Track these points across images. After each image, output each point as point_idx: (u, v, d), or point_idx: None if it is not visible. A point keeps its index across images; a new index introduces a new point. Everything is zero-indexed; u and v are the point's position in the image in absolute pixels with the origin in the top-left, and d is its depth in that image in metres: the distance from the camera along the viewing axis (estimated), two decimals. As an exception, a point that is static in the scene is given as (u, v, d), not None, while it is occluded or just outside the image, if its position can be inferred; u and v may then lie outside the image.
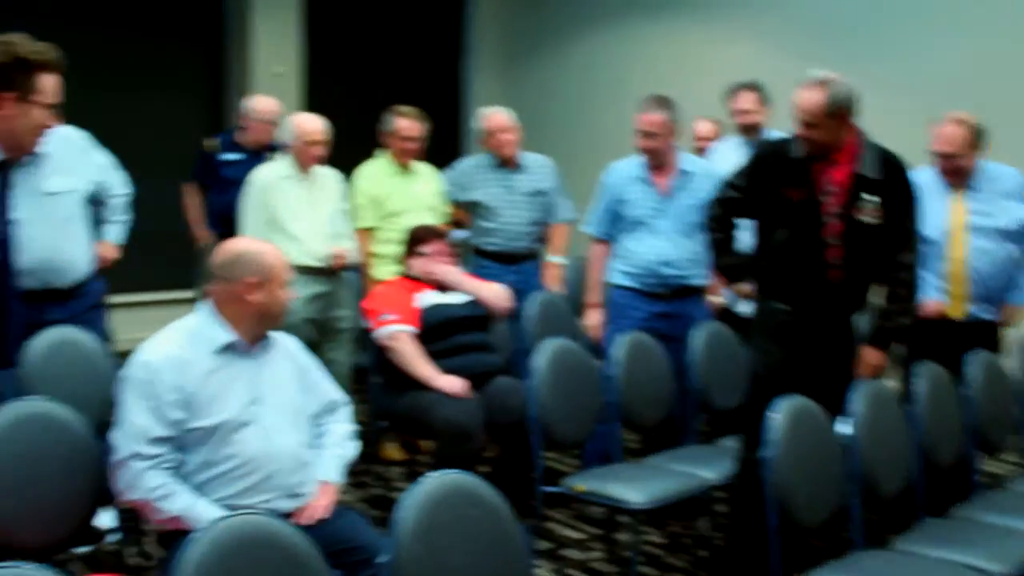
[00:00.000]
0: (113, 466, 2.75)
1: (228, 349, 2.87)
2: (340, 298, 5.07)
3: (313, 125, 4.92)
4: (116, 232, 4.29)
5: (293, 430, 2.91)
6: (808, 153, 3.60)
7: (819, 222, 3.60)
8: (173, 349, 2.81)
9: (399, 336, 4.36)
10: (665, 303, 4.71)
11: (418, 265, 4.63)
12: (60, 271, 3.94)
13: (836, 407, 3.46)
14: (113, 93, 7.04)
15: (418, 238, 4.68)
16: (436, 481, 2.48)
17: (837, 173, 3.60)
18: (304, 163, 4.92)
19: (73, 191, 3.94)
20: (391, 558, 2.31)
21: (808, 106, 3.51)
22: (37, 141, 2.98)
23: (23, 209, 3.81)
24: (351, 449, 3.12)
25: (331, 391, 3.14)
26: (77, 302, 4.02)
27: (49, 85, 2.91)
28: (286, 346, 3.05)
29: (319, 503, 2.89)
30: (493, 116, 5.49)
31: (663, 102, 4.63)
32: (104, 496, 2.91)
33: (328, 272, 4.95)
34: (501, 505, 2.57)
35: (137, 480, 2.70)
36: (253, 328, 2.90)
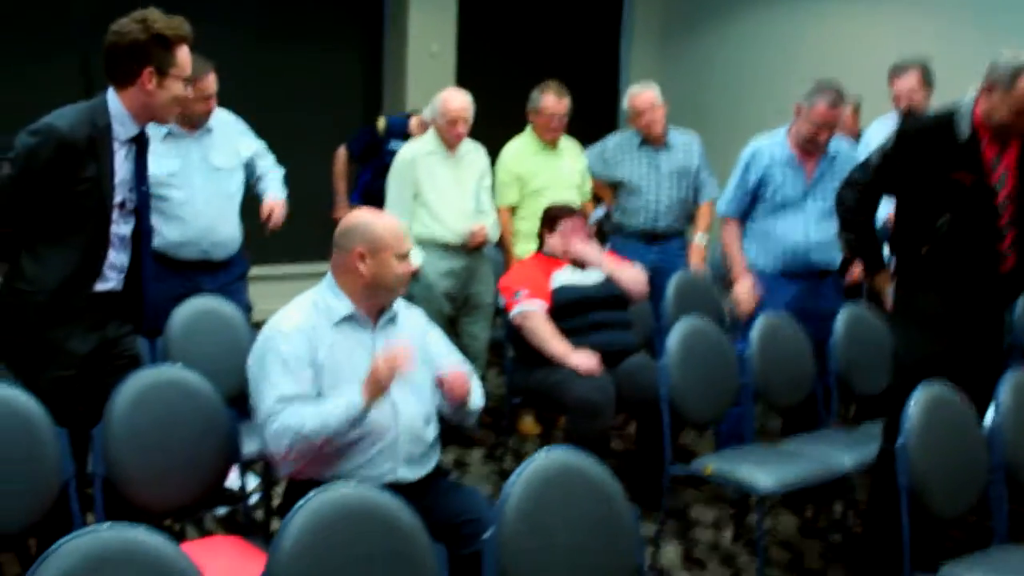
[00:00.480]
0: (259, 430, 2.80)
1: (347, 320, 2.91)
2: (480, 274, 5.09)
3: (457, 103, 4.91)
4: (278, 189, 4.42)
5: (416, 402, 2.93)
6: (994, 137, 3.39)
7: (993, 209, 3.40)
8: (300, 318, 2.86)
9: (531, 314, 4.36)
10: (808, 281, 4.56)
11: (554, 243, 4.61)
12: (222, 244, 4.20)
13: (988, 397, 3.29)
14: (273, 71, 7.22)
15: (554, 216, 4.65)
16: (545, 459, 2.47)
17: (1007, 156, 3.41)
18: (448, 140, 4.93)
19: (236, 168, 4.19)
20: (494, 534, 2.31)
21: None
22: (173, 114, 3.06)
23: (195, 181, 4.05)
24: (479, 399, 3.12)
25: (456, 364, 3.13)
26: (226, 273, 4.24)
27: (184, 59, 2.99)
28: (412, 320, 3.07)
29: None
30: (642, 94, 5.40)
31: (843, 93, 4.46)
32: (234, 459, 2.99)
33: (468, 248, 4.96)
34: (612, 485, 2.54)
35: (281, 431, 2.73)
36: (369, 298, 2.92)
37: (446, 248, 4.94)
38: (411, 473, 2.88)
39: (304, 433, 2.71)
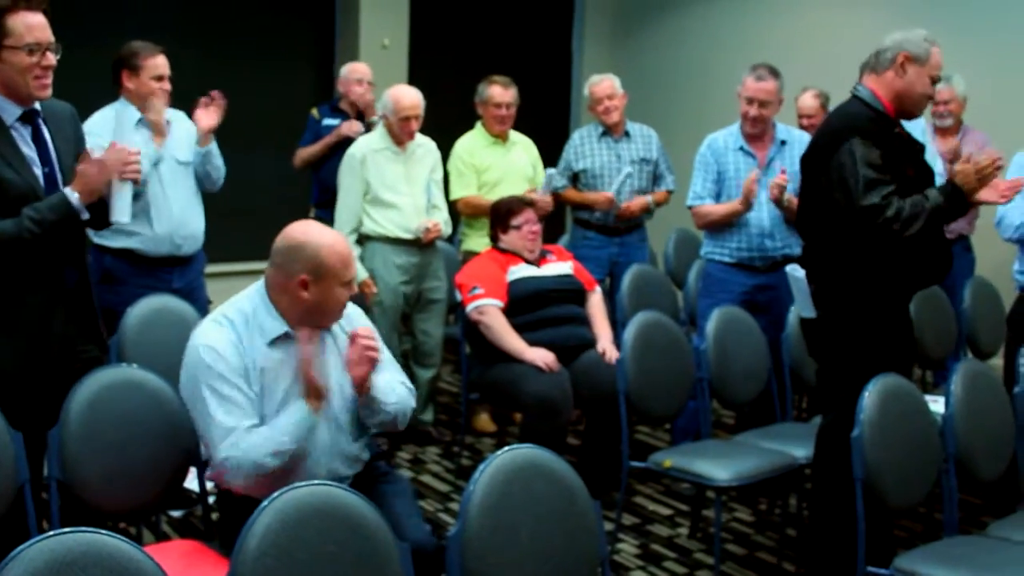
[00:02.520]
0: (216, 470, 2.74)
1: (282, 340, 2.79)
2: (433, 270, 5.09)
3: (409, 100, 4.89)
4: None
5: (337, 423, 2.85)
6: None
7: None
8: (231, 334, 2.75)
9: (487, 310, 4.38)
10: (765, 275, 4.63)
11: (509, 240, 4.62)
12: (192, 237, 4.24)
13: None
14: (224, 66, 7.16)
15: (505, 211, 4.67)
16: (508, 456, 2.49)
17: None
18: (400, 137, 4.92)
19: (190, 162, 4.19)
20: (459, 531, 2.33)
21: None
22: (38, 85, 2.96)
23: (164, 174, 4.05)
24: (400, 396, 2.96)
25: (394, 389, 2.96)
26: (192, 268, 4.25)
27: (17, 26, 2.89)
28: (349, 324, 2.96)
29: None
30: (601, 82, 5.47)
31: (774, 71, 4.59)
32: (192, 461, 2.98)
33: (421, 244, 4.97)
34: (575, 482, 2.55)
35: (238, 466, 2.66)
36: (306, 321, 2.79)
37: (398, 244, 4.94)
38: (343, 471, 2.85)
39: (261, 463, 2.65)
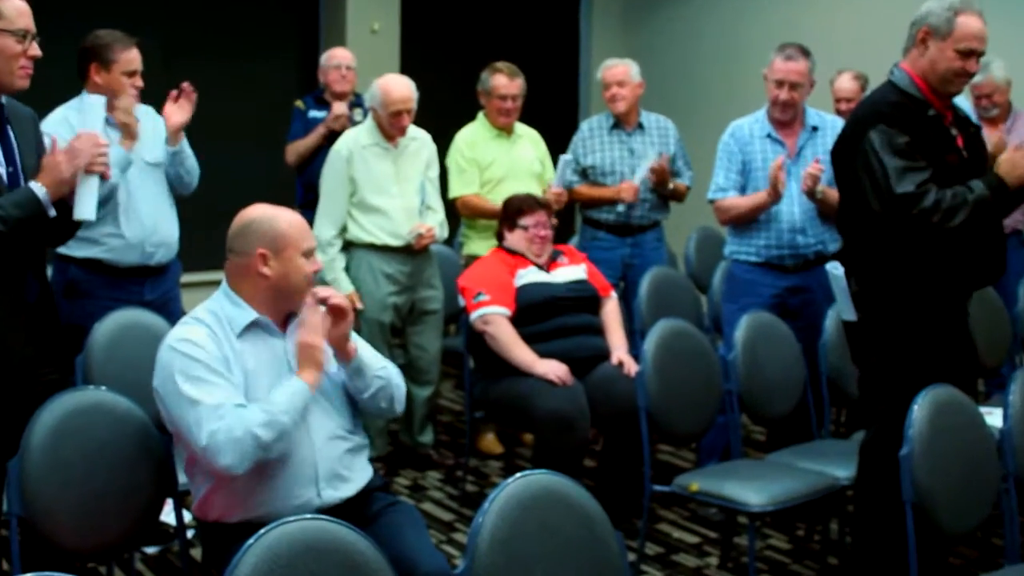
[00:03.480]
0: (203, 459, 2.69)
1: (252, 328, 2.82)
2: (426, 278, 5.03)
3: (400, 92, 4.80)
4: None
5: (330, 412, 2.87)
6: (941, 101, 3.42)
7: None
8: (205, 329, 2.78)
9: (493, 319, 4.34)
10: (797, 275, 4.60)
11: (515, 240, 4.58)
12: (165, 244, 4.21)
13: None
14: (196, 56, 7.14)
15: (515, 210, 4.63)
16: (521, 483, 2.45)
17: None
18: (390, 132, 4.86)
19: (160, 163, 4.16)
20: (467, 567, 2.29)
21: None
22: (23, 75, 2.97)
23: (132, 176, 4.02)
24: (396, 375, 3.01)
25: (379, 359, 3.00)
26: (166, 278, 4.25)
27: (13, 10, 2.91)
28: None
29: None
30: (614, 67, 5.46)
31: (804, 50, 4.58)
32: (169, 491, 2.94)
33: (413, 250, 4.90)
34: (595, 510, 2.52)
35: (233, 440, 2.62)
36: (274, 303, 2.84)
37: (386, 252, 4.87)
38: (337, 492, 2.82)
39: (255, 433, 2.63)
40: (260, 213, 2.87)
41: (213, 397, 2.67)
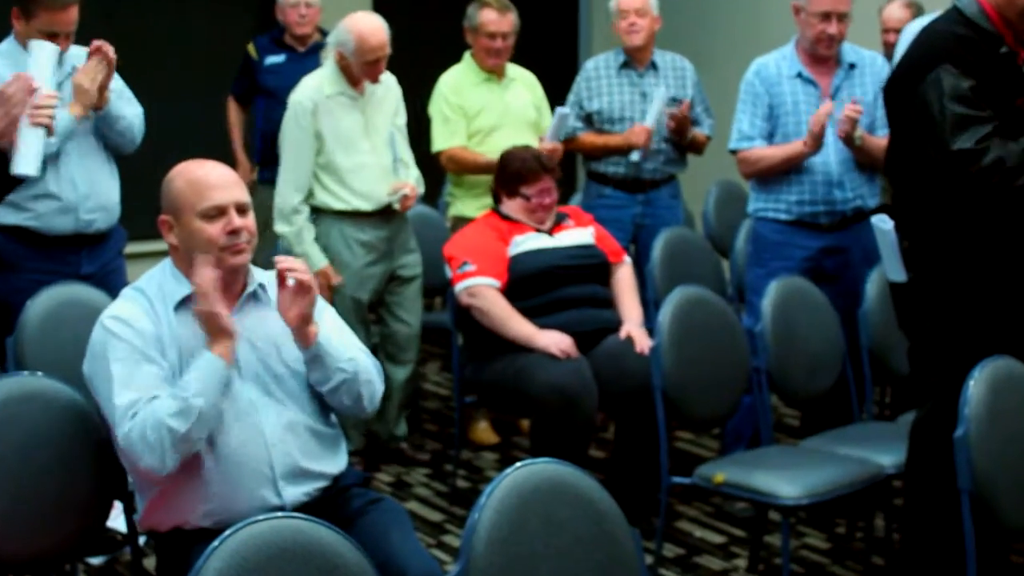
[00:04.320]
0: (121, 451, 2.74)
1: (188, 304, 2.83)
2: (403, 243, 5.01)
3: (378, 38, 4.72)
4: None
5: (285, 401, 2.87)
6: (1017, 38, 3.40)
7: None
8: (142, 303, 2.82)
9: (480, 291, 4.35)
10: (832, 235, 4.61)
11: (511, 205, 4.58)
12: (104, 208, 4.21)
13: None
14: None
15: (514, 174, 4.57)
16: (522, 474, 2.45)
17: None
18: (358, 79, 4.80)
19: (88, 117, 4.14)
20: (460, 572, 2.30)
21: None
22: None
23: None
24: (369, 368, 3.00)
25: (349, 348, 2.99)
26: (107, 248, 4.25)
27: None
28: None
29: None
30: None
31: None
32: (117, 493, 2.95)
33: (388, 213, 4.89)
34: (607, 504, 2.53)
35: (142, 432, 2.65)
36: None
37: (359, 217, 4.84)
38: (301, 488, 2.84)
39: (168, 425, 2.64)
40: (173, 173, 2.90)
41: (133, 391, 2.70)
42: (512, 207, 4.58)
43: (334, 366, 2.88)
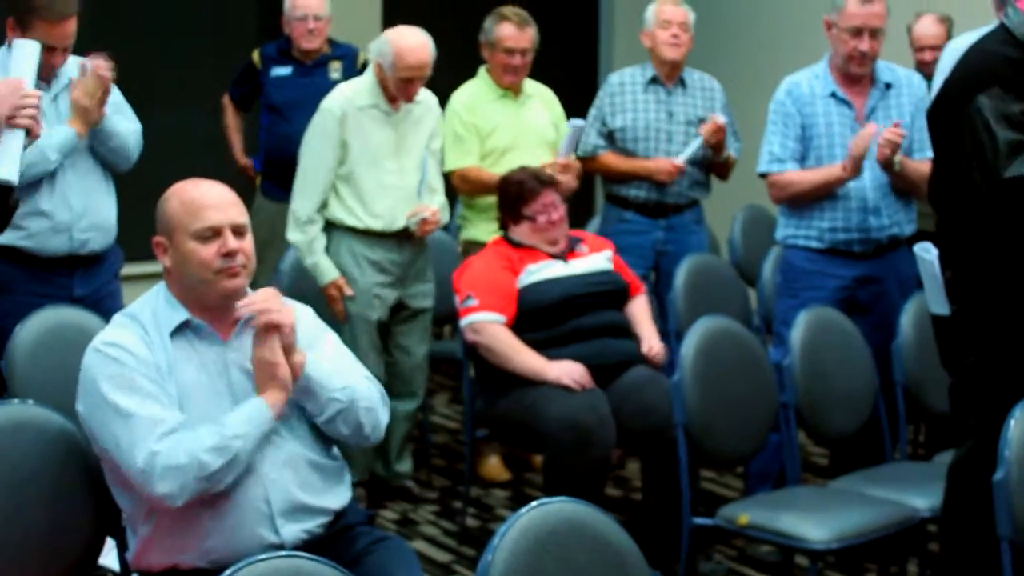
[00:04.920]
0: (138, 483, 2.70)
1: (184, 331, 2.84)
2: (419, 270, 5.01)
3: (418, 57, 4.69)
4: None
5: (284, 434, 2.86)
6: None
7: None
8: (136, 330, 2.81)
9: (483, 327, 4.35)
10: (866, 263, 4.61)
11: (520, 231, 4.58)
12: (100, 228, 4.22)
13: None
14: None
15: (516, 193, 4.59)
16: (537, 514, 2.44)
17: None
18: (396, 96, 4.79)
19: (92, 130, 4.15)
20: (473, 618, 2.29)
21: None
22: None
23: None
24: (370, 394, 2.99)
25: (346, 376, 2.98)
26: (102, 270, 4.27)
27: None
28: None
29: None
30: (675, 4, 5.42)
31: None
32: (110, 528, 2.95)
33: (405, 236, 4.88)
34: (627, 546, 2.53)
35: (171, 469, 2.65)
36: (201, 304, 2.85)
37: (372, 237, 4.83)
38: (301, 526, 2.83)
39: (201, 459, 2.65)
40: (167, 192, 2.91)
41: (151, 411, 2.70)
42: (521, 232, 4.58)
43: (326, 396, 2.88)
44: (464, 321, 4.41)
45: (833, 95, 4.61)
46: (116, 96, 4.22)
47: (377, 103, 4.81)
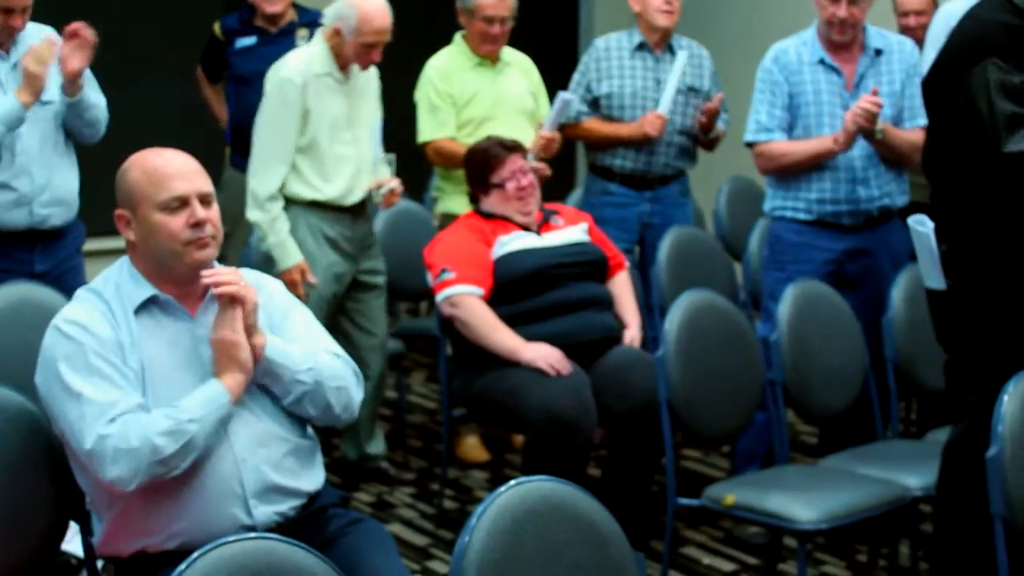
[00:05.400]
0: (87, 464, 2.71)
1: (149, 307, 2.83)
2: (370, 245, 5.00)
3: (382, 21, 4.66)
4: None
5: (257, 412, 2.86)
6: None
7: None
8: (98, 305, 2.81)
9: (461, 300, 4.35)
10: (856, 236, 4.62)
11: (490, 201, 4.58)
12: (61, 202, 4.22)
13: None
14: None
15: (482, 161, 4.59)
16: (515, 493, 2.45)
17: None
18: (348, 61, 4.74)
19: (52, 102, 4.14)
20: (450, 600, 2.30)
21: None
22: None
23: None
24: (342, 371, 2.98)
25: (312, 356, 2.95)
26: (63, 245, 4.26)
27: None
28: (260, 296, 2.93)
29: None
30: None
31: None
32: (73, 513, 2.95)
33: (356, 211, 4.85)
34: (608, 526, 2.53)
35: (126, 448, 2.64)
36: (169, 278, 2.83)
37: (329, 211, 4.80)
38: (274, 507, 2.84)
39: (153, 443, 2.64)
40: (126, 163, 2.89)
41: (105, 393, 2.69)
42: (491, 203, 4.57)
43: (291, 378, 2.87)
44: (441, 295, 4.41)
45: (821, 62, 4.61)
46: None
47: (331, 71, 4.76)
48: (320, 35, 4.80)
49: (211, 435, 2.72)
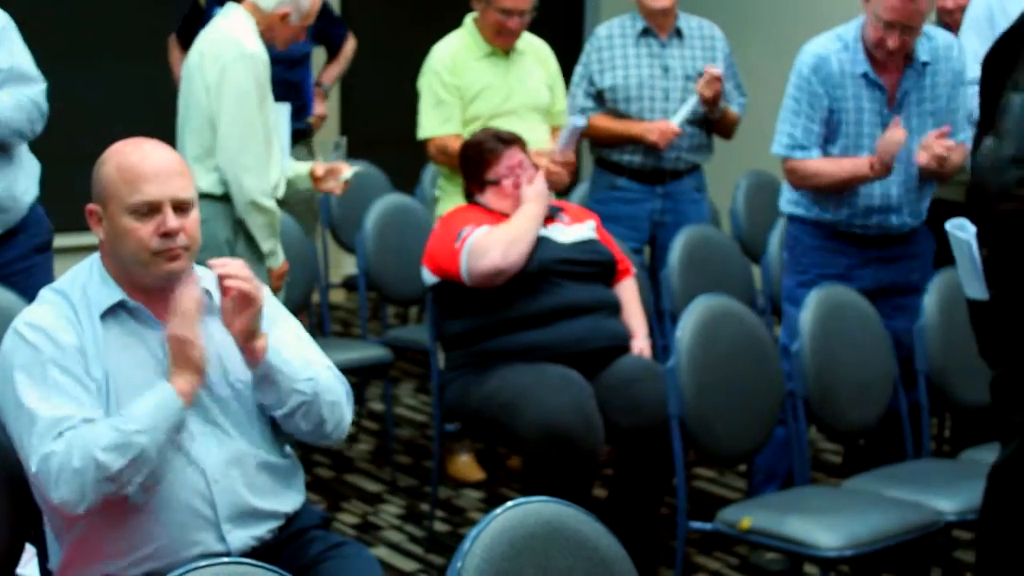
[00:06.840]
0: (35, 484, 2.72)
1: (116, 312, 2.82)
2: None
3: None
4: None
5: (230, 431, 2.87)
6: None
7: None
8: (62, 308, 2.80)
9: (484, 241, 4.28)
10: (881, 246, 4.61)
11: (485, 199, 4.56)
12: (10, 201, 4.21)
13: None
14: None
15: (476, 155, 4.57)
16: (513, 515, 2.44)
17: None
18: (275, 45, 4.55)
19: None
20: (441, 631, 2.30)
21: None
22: None
23: None
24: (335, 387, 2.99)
25: (311, 366, 2.97)
26: (12, 246, 4.21)
27: None
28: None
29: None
30: None
31: None
32: (28, 535, 2.95)
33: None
34: (613, 550, 2.53)
35: (68, 467, 2.62)
36: (139, 282, 2.83)
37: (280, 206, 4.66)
38: (249, 532, 2.84)
39: (97, 459, 2.62)
40: (105, 153, 2.88)
41: (57, 408, 2.68)
42: (487, 200, 4.55)
43: (289, 387, 2.87)
44: (466, 247, 4.30)
45: (865, 76, 4.52)
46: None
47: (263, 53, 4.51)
48: (249, 15, 4.48)
49: (164, 445, 2.71)
